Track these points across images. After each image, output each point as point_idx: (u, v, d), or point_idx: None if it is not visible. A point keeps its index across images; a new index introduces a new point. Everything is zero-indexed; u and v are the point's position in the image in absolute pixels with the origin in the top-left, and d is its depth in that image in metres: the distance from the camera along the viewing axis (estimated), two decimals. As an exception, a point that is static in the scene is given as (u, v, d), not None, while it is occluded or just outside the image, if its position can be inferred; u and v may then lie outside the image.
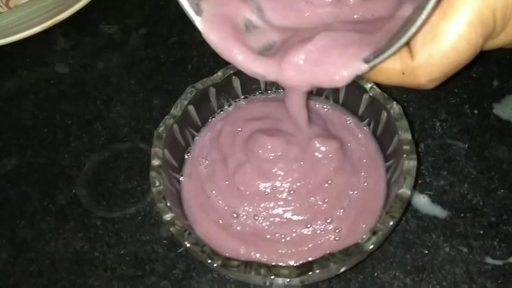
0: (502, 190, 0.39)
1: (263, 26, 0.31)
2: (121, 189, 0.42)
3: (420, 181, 0.40)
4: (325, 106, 0.40)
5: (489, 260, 0.36)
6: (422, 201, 0.39)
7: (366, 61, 0.26)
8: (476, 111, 0.43)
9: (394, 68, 0.27)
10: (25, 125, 0.47)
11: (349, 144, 0.37)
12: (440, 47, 0.25)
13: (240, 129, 0.37)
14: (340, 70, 0.27)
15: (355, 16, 0.31)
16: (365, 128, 0.38)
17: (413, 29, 0.24)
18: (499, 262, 0.36)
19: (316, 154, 0.35)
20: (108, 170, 0.43)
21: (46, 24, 0.51)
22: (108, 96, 0.48)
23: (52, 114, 0.48)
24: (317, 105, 0.40)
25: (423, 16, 0.23)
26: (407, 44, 0.26)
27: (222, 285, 0.36)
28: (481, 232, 0.37)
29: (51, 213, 0.41)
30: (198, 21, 0.29)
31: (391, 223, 0.30)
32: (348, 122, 0.39)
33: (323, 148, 0.35)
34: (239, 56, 0.28)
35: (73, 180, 0.43)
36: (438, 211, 0.38)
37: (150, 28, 0.54)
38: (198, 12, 0.29)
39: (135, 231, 0.39)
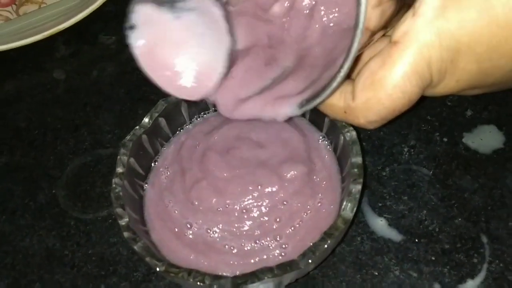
0: (460, 219, 0.39)
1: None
2: (97, 193, 0.44)
3: (380, 204, 0.41)
4: (300, 119, 0.41)
5: (437, 286, 0.36)
6: (379, 224, 0.40)
7: (300, 105, 0.29)
8: (445, 139, 0.44)
9: (338, 106, 0.29)
10: (19, 127, 0.50)
11: (314, 166, 0.38)
12: (377, 94, 0.27)
13: (198, 143, 0.39)
14: (279, 111, 0.29)
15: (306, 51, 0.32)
16: (328, 148, 0.40)
17: (334, 84, 0.26)
18: (447, 289, 0.36)
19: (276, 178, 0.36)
20: (88, 174, 0.45)
21: (48, 32, 0.54)
22: (98, 103, 0.51)
23: (44, 117, 0.51)
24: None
25: (341, 74, 0.26)
26: (352, 84, 0.28)
27: (177, 290, 0.38)
28: (433, 258, 0.38)
29: (30, 210, 0.44)
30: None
31: (328, 243, 0.31)
32: (320, 141, 0.40)
33: (290, 174, 0.36)
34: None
35: (55, 181, 0.45)
36: (394, 235, 0.39)
37: (145, 41, 0.56)
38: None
39: (104, 233, 0.42)
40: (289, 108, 0.28)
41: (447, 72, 0.26)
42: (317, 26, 0.31)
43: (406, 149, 0.44)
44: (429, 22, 0.25)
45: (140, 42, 0.31)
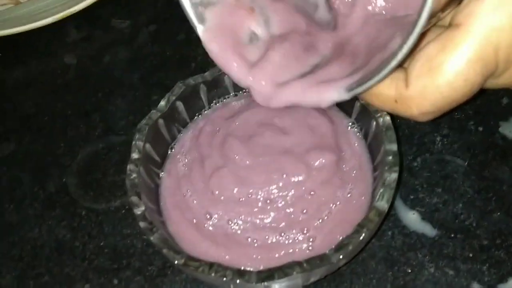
0: (499, 213, 0.36)
1: (267, 39, 0.31)
2: (109, 182, 0.42)
3: (412, 197, 0.38)
4: None
5: (475, 285, 0.34)
6: (411, 218, 0.37)
7: (349, 89, 0.26)
8: (480, 128, 0.41)
9: (388, 95, 0.26)
10: (27, 113, 0.48)
11: (343, 154, 0.36)
12: (435, 80, 0.24)
13: (218, 129, 0.36)
14: (324, 96, 0.26)
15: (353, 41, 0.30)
16: (358, 135, 0.37)
17: (393, 63, 0.23)
18: (486, 289, 0.34)
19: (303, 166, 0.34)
20: (100, 162, 0.43)
21: (59, 16, 0.52)
22: (110, 89, 0.49)
23: (54, 103, 0.48)
24: None
25: (404, 50, 0.23)
26: (405, 72, 0.25)
27: (194, 286, 0.36)
28: (471, 255, 0.35)
29: (40, 199, 0.42)
30: (200, 30, 0.29)
31: (362, 237, 0.28)
32: (349, 127, 0.37)
33: (317, 162, 0.34)
34: (234, 71, 0.29)
35: (65, 169, 0.43)
36: (428, 229, 0.36)
37: (160, 25, 0.54)
38: (202, 20, 0.29)
39: (117, 224, 0.39)
40: (336, 92, 0.26)
41: None
42: (358, 14, 0.29)
43: (438, 138, 0.41)
44: (498, 2, 0.22)
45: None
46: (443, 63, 0.23)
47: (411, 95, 0.25)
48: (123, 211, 0.40)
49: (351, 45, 0.29)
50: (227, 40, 0.29)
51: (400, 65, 0.25)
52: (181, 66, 0.50)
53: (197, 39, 0.51)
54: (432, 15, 0.24)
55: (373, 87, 0.25)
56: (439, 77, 0.23)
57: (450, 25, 0.24)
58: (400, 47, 0.23)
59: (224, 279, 0.28)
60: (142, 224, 0.31)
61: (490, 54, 0.23)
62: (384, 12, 0.29)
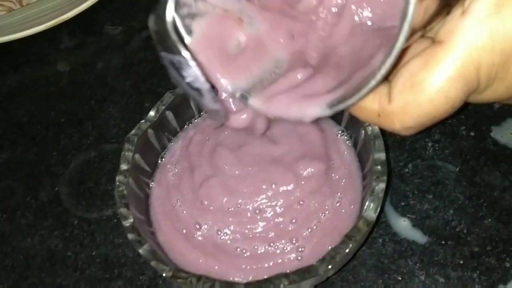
0: (490, 219, 0.36)
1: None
2: (102, 190, 0.42)
3: (403, 203, 0.38)
4: None
5: (466, 293, 0.34)
6: (402, 225, 0.37)
7: (331, 105, 0.26)
8: (472, 133, 0.41)
9: (371, 109, 0.26)
10: (21, 121, 0.48)
11: (332, 162, 0.36)
12: (416, 97, 0.24)
13: (208, 138, 0.36)
14: (307, 111, 0.26)
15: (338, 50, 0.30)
16: (348, 143, 0.37)
17: (372, 83, 0.23)
18: (477, 296, 0.34)
19: (292, 175, 0.34)
20: (92, 170, 0.43)
21: (52, 22, 0.52)
22: (103, 96, 0.49)
23: (47, 111, 0.48)
24: None
25: (382, 71, 0.23)
26: (389, 85, 0.25)
27: (186, 295, 0.36)
28: (462, 262, 0.35)
29: (32, 209, 0.42)
30: (188, 41, 0.29)
31: (349, 248, 0.28)
32: (338, 135, 0.37)
33: (306, 171, 0.34)
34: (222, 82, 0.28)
35: (57, 178, 0.43)
36: (418, 236, 0.36)
37: (152, 31, 0.54)
38: (189, 32, 0.29)
39: (109, 233, 0.39)
40: (318, 108, 0.25)
41: (497, 77, 0.23)
42: (345, 24, 0.29)
43: (430, 144, 0.41)
44: (481, 21, 0.22)
45: None
46: (424, 79, 0.23)
47: (393, 110, 0.25)
48: (115, 220, 0.40)
49: (337, 56, 0.29)
50: (213, 51, 0.29)
51: (385, 78, 0.25)
52: (173, 73, 0.50)
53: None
54: (413, 32, 0.24)
55: (356, 103, 0.25)
56: (421, 94, 0.23)
57: (433, 41, 0.24)
58: (379, 67, 0.22)
59: (212, 291, 0.28)
60: (130, 236, 0.31)
61: (472, 72, 0.23)
62: (370, 23, 0.29)
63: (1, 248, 0.40)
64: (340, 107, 0.25)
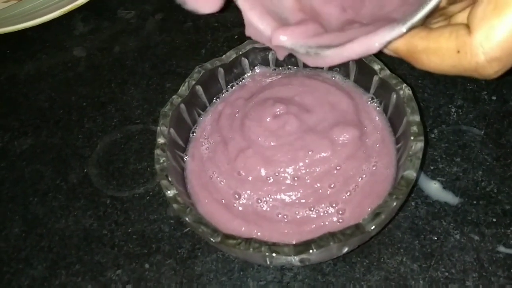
0: (518, 178, 0.37)
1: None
2: (131, 170, 0.42)
3: (432, 167, 0.39)
4: (344, 80, 0.39)
5: (501, 248, 0.34)
6: (433, 187, 0.38)
7: (403, 22, 0.23)
8: (494, 98, 0.42)
9: (448, 47, 0.23)
10: (42, 107, 0.48)
11: (365, 128, 0.36)
12: (503, 17, 0.21)
13: (237, 111, 0.37)
14: (379, 35, 0.24)
15: None
16: (378, 109, 0.37)
17: None
18: (512, 251, 0.34)
19: (328, 142, 0.35)
20: (119, 151, 0.43)
21: (65, 9, 0.52)
22: (123, 79, 0.49)
23: (68, 96, 0.48)
24: (336, 78, 0.39)
25: None
26: (464, 25, 0.23)
27: (226, 265, 0.36)
28: (494, 220, 0.36)
29: (63, 191, 0.42)
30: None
31: (393, 205, 0.29)
32: (369, 102, 0.38)
33: (341, 138, 0.35)
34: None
35: (85, 160, 0.43)
36: (450, 198, 0.37)
37: (166, 13, 0.54)
38: None
39: (143, 210, 0.40)
40: (392, 30, 0.23)
41: None
42: None
43: (453, 110, 0.42)
44: None
45: None
46: None
47: (476, 40, 0.22)
48: (148, 197, 0.40)
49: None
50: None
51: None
52: (191, 53, 0.50)
53: (205, 26, 0.52)
54: None
55: (431, 41, 0.23)
56: (508, 13, 0.21)
57: None
58: None
59: (262, 254, 0.28)
60: (175, 206, 0.31)
61: None
62: None
63: (36, 230, 0.40)
64: (414, 20, 0.23)
